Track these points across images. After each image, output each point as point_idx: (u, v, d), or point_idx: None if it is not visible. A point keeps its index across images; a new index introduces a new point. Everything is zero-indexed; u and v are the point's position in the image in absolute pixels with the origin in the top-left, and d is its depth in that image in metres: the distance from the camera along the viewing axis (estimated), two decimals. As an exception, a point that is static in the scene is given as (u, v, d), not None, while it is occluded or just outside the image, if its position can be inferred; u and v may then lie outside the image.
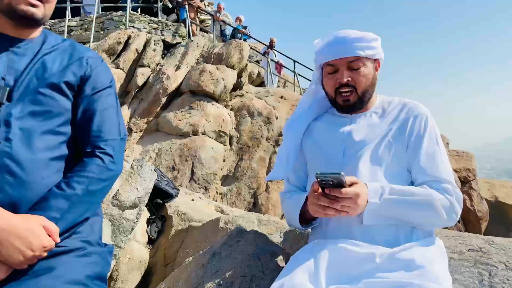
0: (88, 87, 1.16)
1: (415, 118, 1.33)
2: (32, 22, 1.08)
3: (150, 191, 2.72)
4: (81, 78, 1.15)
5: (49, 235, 0.96)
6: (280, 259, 1.53)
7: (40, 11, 1.07)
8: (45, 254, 0.96)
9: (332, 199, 1.14)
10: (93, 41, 7.79)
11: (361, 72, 1.33)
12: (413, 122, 1.33)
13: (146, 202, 2.75)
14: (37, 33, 1.15)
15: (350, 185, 1.15)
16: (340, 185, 1.12)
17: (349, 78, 1.32)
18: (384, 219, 1.21)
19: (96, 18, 8.40)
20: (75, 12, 9.12)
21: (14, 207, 0.97)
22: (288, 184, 1.53)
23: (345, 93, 1.34)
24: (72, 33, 8.34)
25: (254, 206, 6.41)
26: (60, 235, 1.00)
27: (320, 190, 1.17)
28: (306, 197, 1.30)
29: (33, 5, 1.05)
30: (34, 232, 0.93)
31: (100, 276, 1.07)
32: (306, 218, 1.36)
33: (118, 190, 2.51)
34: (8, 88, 1.03)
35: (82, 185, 1.05)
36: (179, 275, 1.68)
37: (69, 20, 8.45)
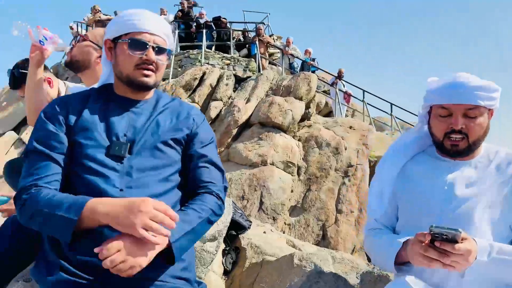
0: (194, 142, 1.34)
1: None
2: (147, 88, 1.32)
3: (228, 224, 2.85)
4: (187, 135, 1.33)
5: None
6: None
7: (152, 79, 1.30)
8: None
9: (441, 252, 1.12)
10: (172, 78, 8.45)
11: (477, 121, 1.30)
12: None
13: (224, 235, 2.87)
14: (151, 94, 1.38)
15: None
16: (454, 240, 1.11)
17: (464, 126, 1.31)
18: (485, 275, 1.19)
19: (175, 56, 9.14)
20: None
21: None
22: (374, 221, 1.51)
23: (455, 138, 1.32)
24: (153, 71, 9.12)
25: (323, 239, 6.32)
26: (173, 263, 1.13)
27: (427, 241, 1.15)
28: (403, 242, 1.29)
29: (147, 76, 1.28)
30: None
31: None
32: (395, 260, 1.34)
33: (199, 222, 2.69)
34: (129, 144, 1.24)
35: (206, 213, 1.22)
36: (259, 311, 1.76)
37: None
